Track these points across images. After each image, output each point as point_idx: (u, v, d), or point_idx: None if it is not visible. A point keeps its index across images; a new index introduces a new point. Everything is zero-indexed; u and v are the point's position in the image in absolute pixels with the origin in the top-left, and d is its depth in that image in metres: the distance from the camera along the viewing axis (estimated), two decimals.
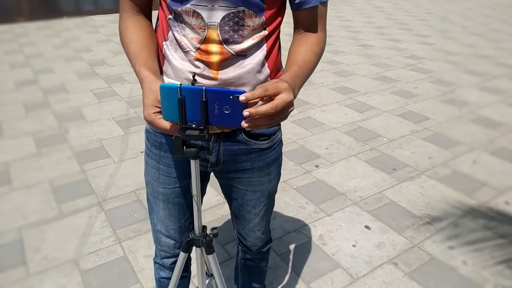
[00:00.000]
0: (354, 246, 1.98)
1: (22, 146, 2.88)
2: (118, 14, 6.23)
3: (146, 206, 2.21)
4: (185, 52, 0.85)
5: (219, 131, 0.92)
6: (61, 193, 2.35)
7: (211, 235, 0.93)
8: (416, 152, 2.86)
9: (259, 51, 0.86)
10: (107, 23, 7.00)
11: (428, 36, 6.27)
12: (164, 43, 0.89)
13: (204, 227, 0.93)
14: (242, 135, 0.95)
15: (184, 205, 1.06)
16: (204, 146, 0.77)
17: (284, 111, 0.72)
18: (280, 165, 1.10)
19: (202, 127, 0.72)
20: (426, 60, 5.03)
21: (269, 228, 1.25)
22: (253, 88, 0.88)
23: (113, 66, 4.68)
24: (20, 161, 2.68)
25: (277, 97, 0.70)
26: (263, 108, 0.68)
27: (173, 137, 0.73)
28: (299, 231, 2.08)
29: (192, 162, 0.82)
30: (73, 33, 6.26)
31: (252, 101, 0.68)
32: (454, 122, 3.33)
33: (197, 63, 0.85)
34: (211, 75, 0.85)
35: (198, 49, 0.84)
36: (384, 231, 2.08)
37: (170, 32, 0.87)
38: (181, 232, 1.10)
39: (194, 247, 0.95)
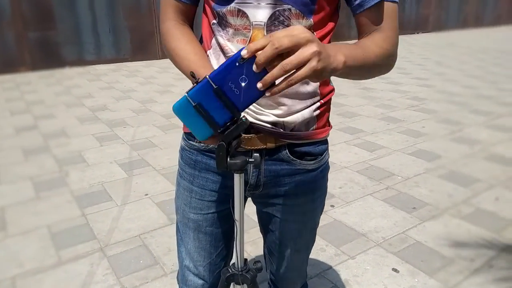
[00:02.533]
0: None
1: (19, 190, 2.73)
2: (119, 64, 6.36)
3: (152, 251, 2.06)
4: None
5: (261, 147, 0.82)
6: (60, 239, 2.18)
7: (255, 269, 0.79)
8: (434, 190, 2.75)
9: None
10: (109, 71, 7.09)
11: (427, 79, 6.37)
12: (207, 52, 0.83)
13: (245, 260, 0.79)
14: (286, 153, 0.85)
15: (216, 237, 0.94)
16: (249, 160, 0.67)
17: (310, 63, 0.57)
18: (326, 193, 0.98)
19: (235, 118, 0.62)
20: (429, 101, 5.06)
21: (306, 269, 1.09)
22: (302, 102, 0.81)
23: (115, 111, 4.65)
24: (16, 206, 2.52)
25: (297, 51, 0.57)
26: (275, 71, 0.57)
27: (216, 147, 0.63)
28: (322, 276, 1.91)
29: (236, 178, 0.71)
30: (75, 81, 6.31)
31: (260, 58, 0.57)
32: (467, 159, 3.25)
33: None
34: None
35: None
36: (414, 274, 1.91)
37: (213, 39, 0.81)
38: (211, 270, 0.97)
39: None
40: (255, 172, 0.86)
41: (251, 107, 0.80)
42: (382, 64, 0.75)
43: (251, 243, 2.10)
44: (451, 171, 3.04)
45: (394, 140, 3.68)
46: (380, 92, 5.51)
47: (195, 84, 0.61)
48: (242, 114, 0.63)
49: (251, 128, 0.81)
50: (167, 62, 8.07)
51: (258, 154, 0.67)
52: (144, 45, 8.15)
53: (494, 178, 2.91)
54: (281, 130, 0.81)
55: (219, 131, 0.63)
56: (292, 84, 0.57)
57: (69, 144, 3.59)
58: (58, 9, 7.08)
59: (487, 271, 1.93)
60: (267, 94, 0.59)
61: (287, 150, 0.85)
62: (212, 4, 0.78)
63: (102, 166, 3.12)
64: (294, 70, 0.57)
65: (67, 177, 2.94)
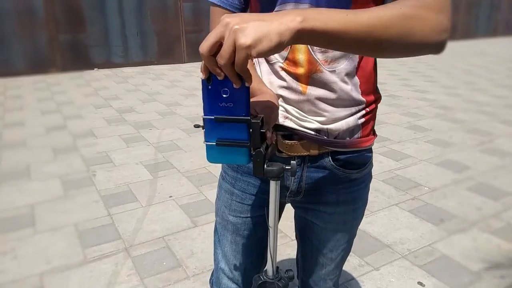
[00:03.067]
0: None
1: (48, 188, 2.81)
2: (145, 67, 6.47)
3: (176, 253, 2.08)
4: (271, 65, 0.79)
5: (304, 154, 0.81)
6: (87, 237, 2.22)
7: (287, 278, 0.78)
8: (462, 202, 2.66)
9: (348, 64, 0.76)
10: (136, 74, 7.23)
11: (455, 87, 6.22)
12: (253, 60, 0.84)
13: (277, 268, 0.78)
14: (329, 160, 0.83)
15: (253, 241, 0.94)
16: (286, 167, 0.66)
17: (225, 38, 0.52)
18: (366, 203, 0.96)
19: (248, 123, 0.61)
20: (457, 110, 4.93)
21: (338, 281, 1.07)
22: (346, 109, 0.79)
23: (141, 113, 4.73)
24: (45, 204, 2.59)
25: None
26: (222, 67, 0.54)
27: (253, 154, 0.63)
28: (345, 286, 1.87)
29: (272, 184, 0.71)
30: (103, 83, 6.46)
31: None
32: (498, 172, 3.14)
33: (283, 74, 0.78)
34: (300, 88, 0.77)
35: (286, 59, 0.77)
36: None
37: None
38: (245, 275, 0.97)
39: None
40: (296, 178, 0.85)
41: (294, 113, 0.79)
42: (396, 28, 0.57)
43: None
44: (480, 183, 2.94)
45: (421, 149, 3.60)
46: (406, 100, 5.41)
47: (203, 130, 0.63)
48: (258, 116, 0.63)
49: (295, 134, 0.80)
50: (192, 66, 8.17)
51: (295, 162, 0.67)
52: (170, 49, 8.28)
53: None
54: (325, 137, 0.80)
55: (249, 144, 0.63)
56: (240, 65, 0.52)
57: (96, 145, 3.67)
58: (88, 12, 7.28)
59: None
60: (247, 85, 0.57)
61: (330, 158, 0.83)
62: (259, 11, 0.78)
63: (128, 167, 3.17)
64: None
65: (94, 176, 3.00)
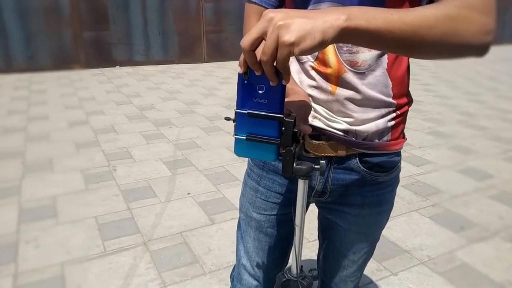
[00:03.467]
0: None
1: (70, 181, 2.87)
2: (166, 66, 6.54)
3: (193, 249, 2.10)
4: (301, 64, 0.80)
5: (332, 154, 0.81)
6: (106, 230, 2.26)
7: (311, 277, 0.78)
8: (484, 211, 2.60)
9: (377, 65, 0.76)
10: (156, 72, 7.33)
11: (479, 94, 6.09)
12: None
13: (301, 267, 0.78)
14: (357, 162, 0.83)
15: (276, 239, 0.94)
16: (315, 166, 0.67)
17: (269, 34, 0.51)
18: (392, 207, 0.95)
19: (281, 121, 0.60)
20: (480, 117, 4.82)
21: (359, 284, 1.06)
22: (375, 111, 0.79)
23: (161, 111, 4.79)
24: (67, 196, 2.65)
25: None
26: (263, 64, 0.53)
27: (283, 152, 0.63)
28: None
29: (300, 183, 0.71)
30: (124, 80, 6.56)
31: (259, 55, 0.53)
32: None
33: (313, 73, 0.78)
34: (329, 88, 0.77)
35: (316, 58, 0.77)
36: None
37: None
38: (266, 273, 0.97)
39: None
40: (322, 179, 0.85)
41: (323, 113, 0.79)
42: (440, 28, 0.55)
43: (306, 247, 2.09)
44: (503, 191, 2.87)
45: (442, 155, 3.53)
46: (428, 105, 5.32)
47: (234, 123, 0.63)
48: (292, 115, 0.63)
49: (322, 135, 0.80)
50: (211, 65, 8.22)
51: (324, 162, 0.66)
52: (191, 48, 8.36)
53: None
54: (353, 138, 0.80)
55: (279, 142, 0.63)
56: (281, 62, 0.51)
57: (117, 140, 3.74)
58: (112, 11, 7.42)
59: None
60: (284, 83, 0.56)
61: (357, 160, 0.82)
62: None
63: (148, 163, 3.21)
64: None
65: (114, 171, 3.05)
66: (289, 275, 0.78)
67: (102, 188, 2.78)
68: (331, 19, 0.51)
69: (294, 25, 0.50)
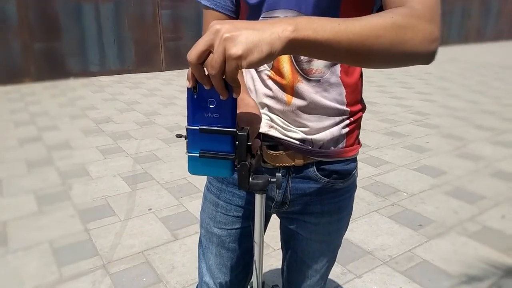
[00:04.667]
0: None
1: (22, 204, 2.71)
2: (123, 75, 6.38)
3: (156, 268, 2.03)
4: (258, 72, 0.79)
5: (289, 164, 0.81)
6: (62, 255, 2.15)
7: None
8: (439, 207, 2.71)
9: (331, 73, 0.77)
10: (113, 83, 7.12)
11: (430, 93, 6.37)
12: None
13: (263, 283, 0.77)
14: (314, 170, 0.83)
15: (239, 254, 0.93)
16: (271, 180, 0.66)
17: (215, 46, 0.50)
18: (351, 213, 0.96)
19: (234, 135, 0.59)
20: (432, 116, 5.05)
21: None
22: (330, 119, 0.80)
23: (119, 123, 4.64)
24: (19, 221, 2.50)
25: None
26: (212, 78, 0.52)
27: (238, 167, 0.62)
28: None
29: (258, 198, 0.70)
30: (79, 92, 6.32)
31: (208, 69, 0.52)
32: (472, 176, 3.22)
33: (269, 83, 0.78)
34: (285, 98, 0.77)
35: (272, 67, 0.77)
36: None
37: None
38: None
39: None
40: (281, 189, 0.85)
41: (279, 123, 0.79)
42: (388, 37, 0.55)
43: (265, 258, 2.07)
44: (456, 187, 3.01)
45: (399, 155, 3.66)
46: (383, 106, 5.50)
47: (186, 140, 0.61)
48: (244, 129, 0.62)
49: (280, 145, 0.80)
50: (171, 74, 8.10)
51: (280, 174, 0.66)
52: (148, 57, 8.20)
53: (499, 195, 2.88)
54: (310, 147, 0.80)
55: (234, 157, 0.61)
56: (230, 75, 0.50)
57: (72, 157, 3.58)
58: (64, 20, 7.14)
59: None
60: (234, 96, 0.55)
61: (315, 168, 0.83)
62: (245, 19, 0.78)
63: (106, 180, 3.10)
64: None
65: (70, 190, 2.91)
66: None
67: (57, 209, 2.64)
68: (278, 30, 0.50)
69: (241, 37, 0.48)
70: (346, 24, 0.53)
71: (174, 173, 3.22)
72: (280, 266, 1.78)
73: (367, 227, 2.45)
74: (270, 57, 0.50)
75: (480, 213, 2.63)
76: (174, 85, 6.97)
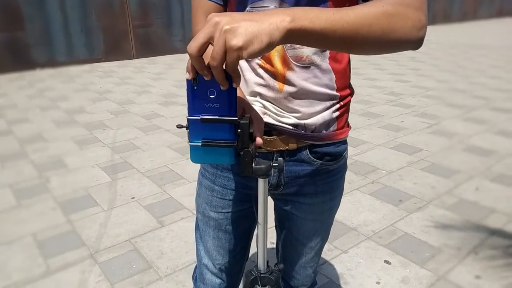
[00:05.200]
0: (378, 283, 1.85)
1: None
2: (92, 64, 6.22)
3: (145, 255, 2.04)
4: (248, 62, 0.80)
5: (283, 148, 0.83)
6: (48, 247, 2.11)
7: (278, 271, 0.80)
8: (417, 182, 2.83)
9: (321, 60, 0.79)
10: (82, 72, 6.91)
11: (403, 74, 6.54)
12: None
13: (267, 262, 0.80)
14: (307, 153, 0.86)
15: (236, 236, 0.95)
16: (273, 164, 0.68)
17: (216, 38, 0.51)
18: (342, 192, 1.00)
19: (236, 124, 0.61)
20: (406, 96, 5.19)
21: (317, 267, 1.11)
22: (321, 104, 0.82)
23: (93, 113, 4.54)
24: None
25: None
26: (213, 69, 0.54)
27: (241, 153, 0.64)
28: (317, 271, 1.93)
29: (261, 182, 0.73)
30: (48, 83, 6.11)
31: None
32: (447, 152, 3.36)
33: (260, 72, 0.79)
34: (276, 86, 0.79)
35: (263, 56, 0.78)
36: (405, 265, 1.96)
37: None
38: (229, 269, 0.98)
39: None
40: (276, 172, 0.87)
41: (272, 109, 0.81)
42: (380, 25, 0.59)
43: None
44: (432, 163, 3.13)
45: (376, 135, 3.76)
46: (358, 88, 5.61)
47: (187, 130, 0.63)
48: (246, 116, 0.64)
49: (273, 130, 0.82)
50: (142, 61, 7.93)
51: (281, 159, 0.68)
52: (118, 44, 7.99)
53: (473, 169, 3.02)
54: (302, 131, 0.83)
55: (236, 145, 0.63)
56: (231, 66, 0.52)
57: (47, 149, 3.49)
58: (26, 9, 6.83)
59: (473, 258, 2.01)
60: (234, 85, 0.57)
61: (308, 151, 0.86)
62: (234, 8, 0.79)
63: (84, 171, 3.04)
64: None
65: (48, 183, 2.85)
66: (256, 271, 0.79)
67: (37, 202, 2.58)
68: (276, 21, 0.52)
69: (241, 29, 0.50)
70: (340, 14, 0.56)
71: (155, 161, 3.20)
72: (272, 246, 1.83)
73: (350, 205, 2.54)
74: (270, 47, 0.52)
75: (456, 187, 2.76)
76: (146, 72, 6.85)
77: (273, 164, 0.68)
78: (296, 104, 0.80)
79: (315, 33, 0.55)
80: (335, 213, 1.02)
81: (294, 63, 0.78)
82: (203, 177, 0.96)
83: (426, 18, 0.63)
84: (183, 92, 5.34)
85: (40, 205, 2.55)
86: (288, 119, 0.81)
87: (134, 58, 8.19)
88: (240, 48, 0.50)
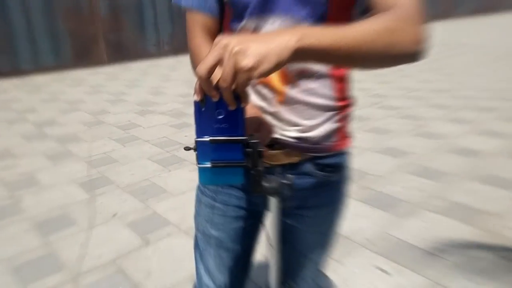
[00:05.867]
0: None
1: None
2: (61, 72, 6.12)
3: (131, 276, 2.02)
4: None
5: (286, 161, 0.86)
6: (25, 273, 2.06)
7: None
8: (406, 186, 2.90)
9: (322, 71, 0.82)
10: (50, 81, 6.78)
11: (386, 74, 6.70)
12: None
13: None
14: (310, 166, 0.89)
15: (238, 253, 0.97)
16: (285, 182, 0.71)
17: (225, 60, 0.54)
18: (345, 203, 1.03)
19: (245, 143, 0.63)
20: (390, 97, 5.32)
21: (320, 279, 1.14)
22: (322, 116, 0.85)
23: (64, 125, 4.46)
24: None
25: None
26: (222, 91, 0.56)
27: (251, 172, 0.66)
28: None
29: (273, 202, 0.74)
30: (12, 94, 5.96)
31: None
32: (434, 154, 3.46)
33: (259, 88, 0.83)
34: (276, 99, 0.83)
35: None
36: (401, 272, 2.01)
37: None
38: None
39: None
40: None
41: (274, 123, 0.83)
42: (381, 41, 0.63)
43: None
44: (420, 166, 3.22)
45: (363, 138, 3.84)
46: None
47: (195, 152, 0.64)
48: (255, 136, 0.66)
49: (276, 143, 0.85)
50: (114, 68, 7.84)
51: (291, 176, 0.71)
52: (87, 50, 7.88)
53: (461, 171, 3.12)
54: (305, 144, 0.85)
55: (246, 164, 0.65)
56: (241, 87, 0.55)
57: (17, 166, 3.40)
58: None
59: (470, 263, 2.07)
60: (243, 105, 0.60)
61: (310, 163, 0.89)
62: (229, 23, 0.81)
63: (59, 188, 2.98)
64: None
65: (20, 203, 2.78)
66: None
67: (9, 224, 2.52)
68: (284, 40, 0.55)
69: (250, 49, 0.53)
70: (343, 32, 0.60)
71: (135, 175, 3.17)
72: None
73: None
74: (279, 66, 0.55)
75: (445, 189, 2.85)
76: (120, 79, 6.77)
77: (285, 182, 0.70)
78: (298, 117, 0.83)
79: (321, 51, 0.58)
80: (339, 225, 1.04)
81: (293, 76, 0.80)
82: (202, 194, 0.97)
83: (425, 32, 0.67)
84: (160, 99, 5.31)
85: (13, 227, 2.48)
86: (291, 133, 0.84)
87: (105, 64, 8.09)
88: (251, 69, 0.52)
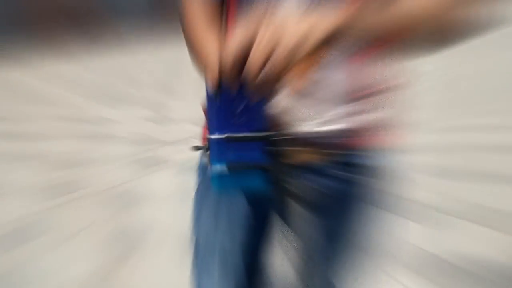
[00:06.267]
0: None
1: None
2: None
3: None
4: None
5: (304, 160, 0.83)
6: None
7: None
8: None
9: (338, 68, 0.77)
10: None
11: None
12: None
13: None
14: (329, 164, 0.84)
15: (241, 260, 0.93)
16: (312, 185, 0.71)
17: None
18: (373, 209, 0.92)
19: (269, 140, 0.60)
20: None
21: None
22: (334, 105, 0.81)
23: (17, 121, 4.05)
24: None
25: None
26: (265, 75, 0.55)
27: (276, 175, 0.66)
28: None
29: (292, 207, 0.80)
30: None
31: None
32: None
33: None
34: (291, 94, 0.81)
35: None
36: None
37: None
38: None
39: None
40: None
41: (291, 118, 0.81)
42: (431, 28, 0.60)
43: None
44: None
45: None
46: None
47: (207, 153, 0.60)
48: (279, 131, 0.64)
49: (295, 140, 0.82)
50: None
51: (314, 177, 0.72)
52: None
53: None
54: (324, 141, 0.82)
55: (270, 165, 0.60)
56: (278, 67, 0.54)
57: None
58: None
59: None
60: (270, 97, 0.61)
61: (334, 163, 0.85)
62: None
63: (15, 196, 2.61)
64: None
65: None
66: None
67: None
68: (325, 18, 0.56)
69: (292, 27, 0.54)
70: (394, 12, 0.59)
71: (109, 179, 2.85)
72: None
73: None
74: (322, 44, 0.55)
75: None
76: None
77: (310, 185, 0.69)
78: (315, 109, 0.80)
79: (365, 30, 0.59)
80: (366, 238, 0.91)
81: (309, 66, 0.76)
82: (203, 199, 0.93)
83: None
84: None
85: None
86: (309, 127, 0.81)
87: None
88: (294, 47, 0.53)
